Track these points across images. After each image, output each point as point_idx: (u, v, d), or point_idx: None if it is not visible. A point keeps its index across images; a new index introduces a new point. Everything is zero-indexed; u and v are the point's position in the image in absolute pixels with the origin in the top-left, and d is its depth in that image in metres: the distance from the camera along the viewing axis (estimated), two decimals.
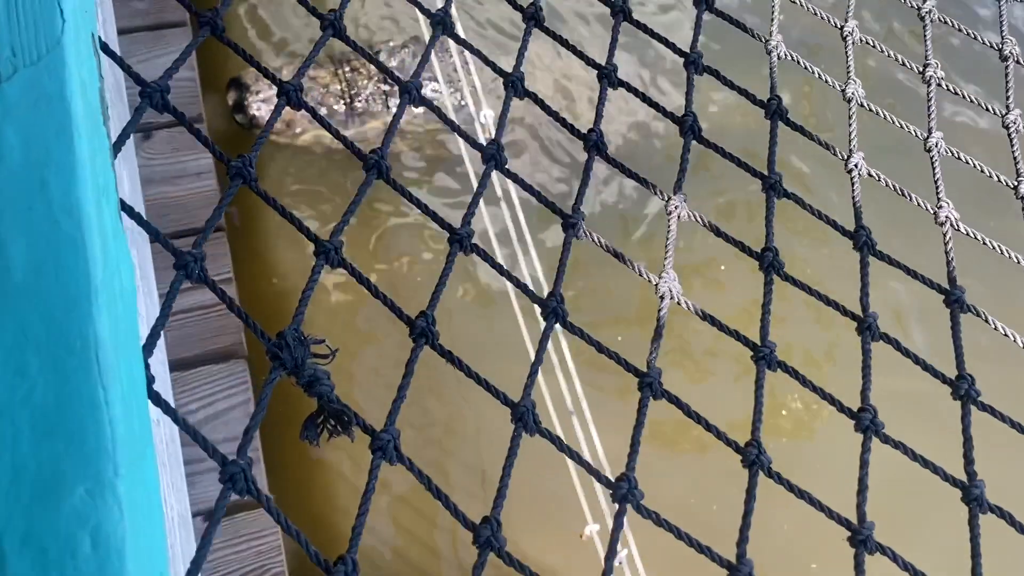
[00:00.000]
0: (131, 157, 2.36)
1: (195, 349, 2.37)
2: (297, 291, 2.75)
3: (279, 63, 3.19)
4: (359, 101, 3.11)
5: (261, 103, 3.01)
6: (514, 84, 1.03)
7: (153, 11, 2.65)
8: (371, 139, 3.15)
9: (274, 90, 3.24)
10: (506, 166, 0.98)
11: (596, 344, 0.88)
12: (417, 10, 1.07)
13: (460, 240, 0.90)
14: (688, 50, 1.12)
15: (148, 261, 2.28)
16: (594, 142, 1.01)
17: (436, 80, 3.13)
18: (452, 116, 2.99)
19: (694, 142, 1.06)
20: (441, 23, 1.05)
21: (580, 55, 1.09)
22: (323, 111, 3.06)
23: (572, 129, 1.03)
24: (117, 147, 0.76)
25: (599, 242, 0.95)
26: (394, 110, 3.20)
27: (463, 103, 3.05)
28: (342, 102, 3.09)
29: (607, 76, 1.07)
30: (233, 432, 2.32)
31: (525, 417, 0.81)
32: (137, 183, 2.38)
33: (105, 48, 0.85)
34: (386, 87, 3.17)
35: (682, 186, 1.01)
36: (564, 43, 1.10)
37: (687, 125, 1.05)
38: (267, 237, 2.86)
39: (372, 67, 3.17)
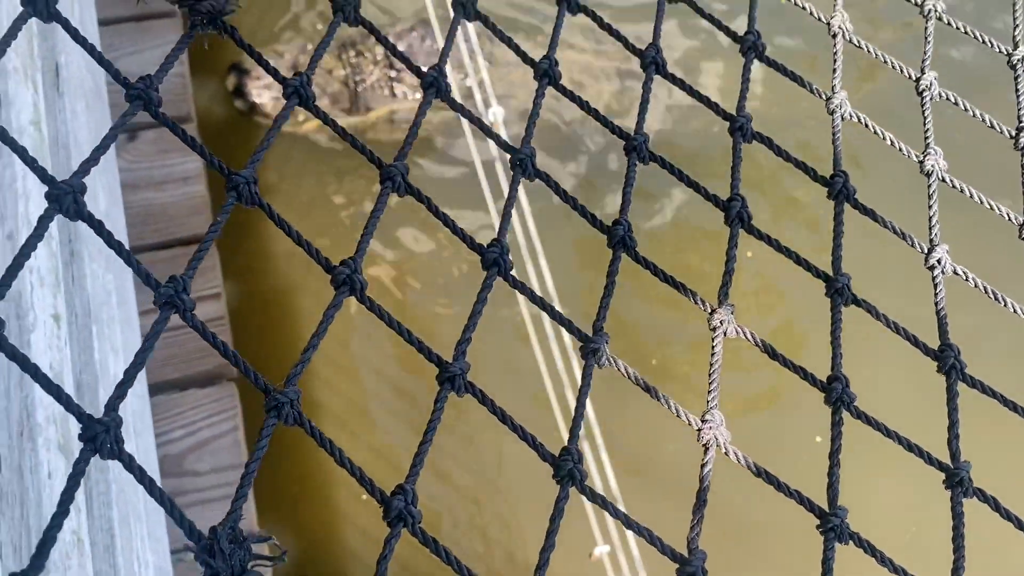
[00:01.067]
0: (111, 162, 2.17)
1: (179, 371, 2.19)
2: (290, 304, 2.54)
3: (282, 44, 2.99)
4: (363, 88, 2.93)
5: (263, 89, 2.83)
6: (638, 149, 0.84)
7: None
8: (377, 127, 2.97)
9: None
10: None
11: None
12: None
13: (452, 379, 0.71)
14: (735, 112, 0.92)
15: (128, 283, 2.09)
16: (620, 237, 0.82)
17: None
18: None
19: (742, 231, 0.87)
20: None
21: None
22: (326, 98, 2.87)
23: (600, 223, 0.83)
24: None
25: (627, 373, 0.76)
26: (400, 97, 3.02)
27: (469, 87, 2.89)
28: (346, 88, 2.91)
29: (636, 149, 0.87)
30: (219, 462, 2.14)
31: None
32: (117, 191, 2.19)
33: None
34: (392, 73, 2.99)
35: (728, 293, 0.82)
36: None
37: (735, 212, 0.86)
38: (259, 240, 2.67)
39: (378, 52, 2.97)
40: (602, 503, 0.70)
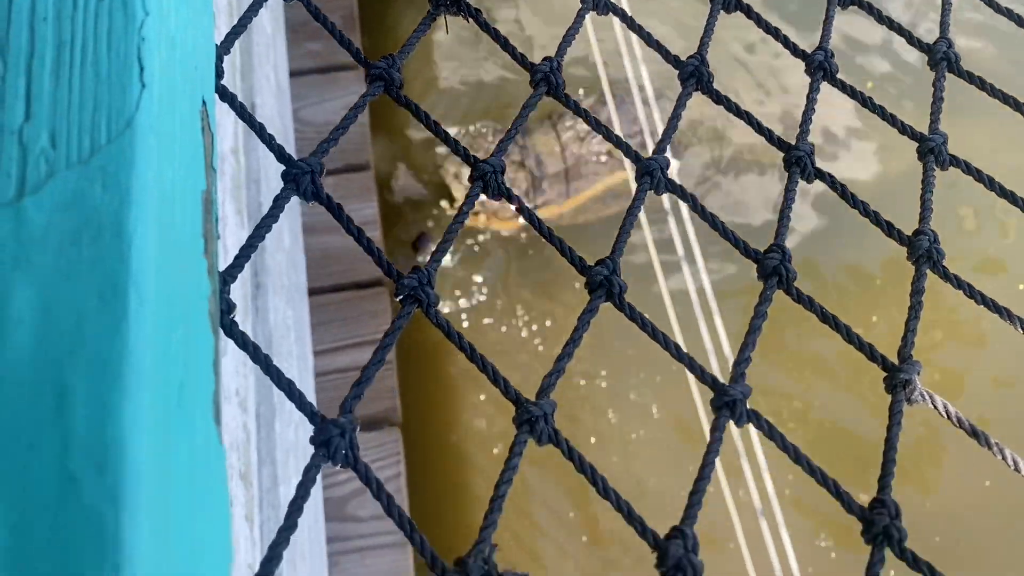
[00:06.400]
0: (294, 205, 2.23)
1: None
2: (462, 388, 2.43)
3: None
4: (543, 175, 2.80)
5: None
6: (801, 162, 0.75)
7: (325, 52, 2.52)
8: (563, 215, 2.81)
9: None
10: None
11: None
12: None
13: None
14: None
15: (304, 321, 2.12)
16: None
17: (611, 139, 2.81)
18: (630, 174, 2.65)
19: None
20: None
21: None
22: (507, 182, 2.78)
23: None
24: (232, 272, 0.51)
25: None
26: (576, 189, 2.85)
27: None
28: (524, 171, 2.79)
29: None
30: (380, 509, 2.10)
31: None
32: (299, 234, 2.24)
33: (243, 113, 0.64)
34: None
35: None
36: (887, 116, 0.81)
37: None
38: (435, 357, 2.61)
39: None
40: None
